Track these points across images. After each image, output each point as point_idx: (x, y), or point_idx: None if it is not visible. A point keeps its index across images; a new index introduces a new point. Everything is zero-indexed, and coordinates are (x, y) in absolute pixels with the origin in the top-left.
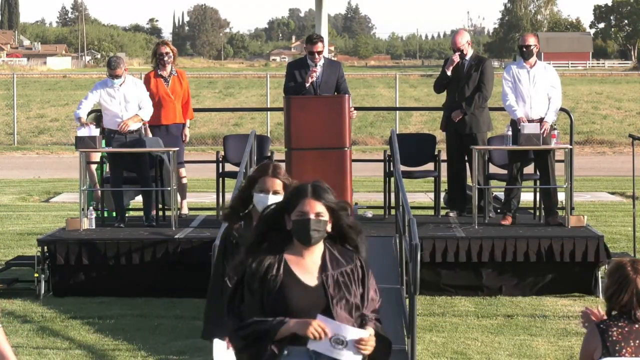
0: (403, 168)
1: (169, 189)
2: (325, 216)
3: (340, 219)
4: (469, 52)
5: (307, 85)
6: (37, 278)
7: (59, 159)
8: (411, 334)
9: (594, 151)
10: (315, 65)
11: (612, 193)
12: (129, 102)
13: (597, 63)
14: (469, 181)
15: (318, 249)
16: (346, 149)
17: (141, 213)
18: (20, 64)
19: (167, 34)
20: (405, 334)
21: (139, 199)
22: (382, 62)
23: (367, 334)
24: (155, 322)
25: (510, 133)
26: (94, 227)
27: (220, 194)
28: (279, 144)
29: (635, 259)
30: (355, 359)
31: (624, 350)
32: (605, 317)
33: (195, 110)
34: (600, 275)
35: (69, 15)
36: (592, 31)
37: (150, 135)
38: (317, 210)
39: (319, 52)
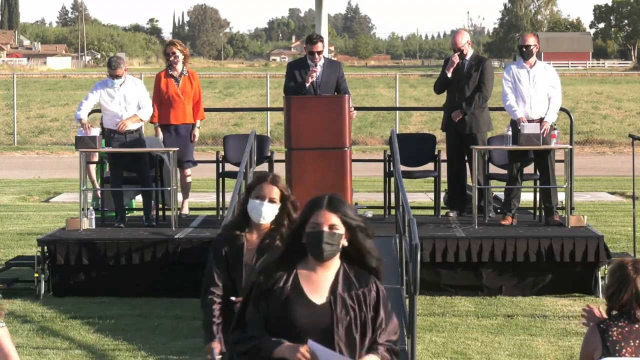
0: (403, 168)
1: (169, 189)
2: (341, 229)
3: (357, 237)
4: (469, 52)
5: (307, 85)
6: (37, 278)
7: (59, 159)
8: (411, 334)
9: (594, 151)
10: (315, 65)
11: (612, 193)
12: (128, 103)
13: (597, 63)
14: (469, 181)
15: (333, 266)
16: (346, 149)
17: (141, 213)
18: (20, 64)
19: (167, 34)
20: (405, 334)
21: (139, 198)
22: (382, 62)
23: None
24: (155, 322)
25: (510, 133)
26: (94, 227)
27: (220, 194)
28: (279, 144)
29: (637, 259)
30: None
31: (624, 350)
32: (606, 317)
33: None
34: (600, 275)
35: (69, 15)
36: (592, 31)
37: (160, 135)
38: (332, 222)
39: (319, 52)
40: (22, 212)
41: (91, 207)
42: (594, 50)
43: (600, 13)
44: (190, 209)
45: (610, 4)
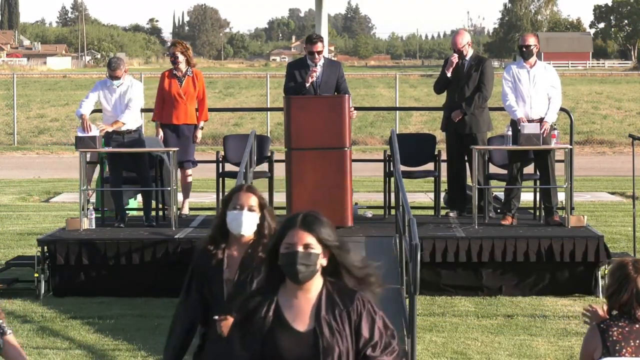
0: (403, 168)
1: (169, 189)
2: (317, 249)
3: (335, 256)
4: (469, 53)
5: (307, 85)
6: (37, 278)
7: (59, 159)
8: (411, 334)
9: (594, 151)
10: (315, 65)
11: (612, 193)
12: (124, 104)
13: (597, 63)
14: (469, 181)
15: (314, 287)
16: (346, 149)
17: (141, 213)
18: (20, 64)
19: (167, 34)
20: (405, 334)
21: (139, 198)
22: (382, 62)
23: None
24: (155, 322)
25: (510, 133)
26: (94, 227)
27: (220, 194)
28: (279, 144)
29: (637, 259)
30: None
31: (624, 350)
32: (606, 317)
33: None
34: (600, 275)
35: (69, 15)
36: (592, 31)
37: (161, 134)
38: (306, 241)
39: (319, 52)
40: (22, 212)
41: (91, 207)
42: (594, 50)
43: (600, 13)
44: (191, 209)
45: (610, 4)
